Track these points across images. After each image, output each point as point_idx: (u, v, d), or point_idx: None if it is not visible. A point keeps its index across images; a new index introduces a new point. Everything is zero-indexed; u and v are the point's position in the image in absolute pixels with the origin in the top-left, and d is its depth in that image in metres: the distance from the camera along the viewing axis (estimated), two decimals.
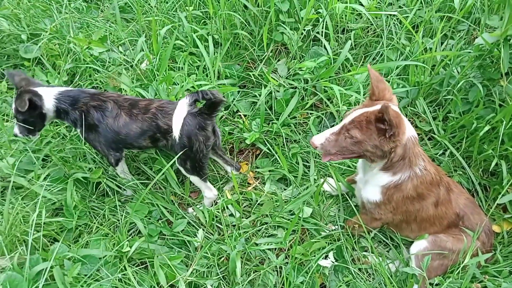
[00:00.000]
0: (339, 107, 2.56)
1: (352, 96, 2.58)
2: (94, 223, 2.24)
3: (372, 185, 1.88)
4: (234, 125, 2.71)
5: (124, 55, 3.00)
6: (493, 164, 2.13)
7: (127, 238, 2.11)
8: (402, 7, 2.86)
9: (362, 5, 2.79)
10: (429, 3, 2.87)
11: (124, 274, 2.01)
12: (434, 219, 1.95)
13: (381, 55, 2.78)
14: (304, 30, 2.70)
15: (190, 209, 2.36)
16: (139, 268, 2.08)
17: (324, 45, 2.73)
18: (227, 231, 2.16)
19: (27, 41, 2.93)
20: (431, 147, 2.52)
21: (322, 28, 2.69)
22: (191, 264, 2.06)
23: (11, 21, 3.03)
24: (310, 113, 2.69)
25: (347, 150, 1.73)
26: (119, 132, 2.08)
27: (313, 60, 2.64)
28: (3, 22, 2.95)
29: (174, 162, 2.11)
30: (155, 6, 3.20)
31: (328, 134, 1.74)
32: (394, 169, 1.76)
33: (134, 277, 1.98)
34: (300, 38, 2.76)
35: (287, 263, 2.04)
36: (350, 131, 1.68)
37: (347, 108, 2.57)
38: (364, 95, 2.51)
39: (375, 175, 1.84)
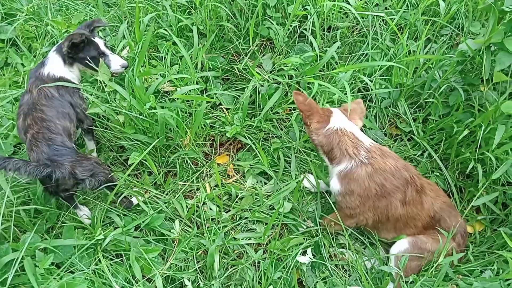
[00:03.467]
0: (322, 104, 2.57)
1: (335, 94, 2.58)
2: (66, 213, 2.17)
3: (332, 176, 2.04)
4: (216, 118, 2.68)
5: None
6: (470, 167, 2.18)
7: (101, 228, 2.06)
8: (388, 9, 2.89)
9: (349, 3, 2.79)
10: (414, 6, 2.90)
11: (98, 266, 1.96)
12: (406, 220, 1.99)
13: (366, 55, 2.79)
14: (291, 26, 2.69)
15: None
16: (114, 262, 2.03)
17: (310, 42, 2.72)
18: (206, 225, 2.13)
19: (1, 21, 2.80)
20: (411, 148, 2.57)
21: (309, 25, 2.68)
22: (168, 258, 2.03)
23: None
24: (293, 109, 2.69)
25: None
26: None
27: (299, 56, 2.63)
28: None
29: (148, 153, 2.08)
30: None
31: None
32: (335, 159, 1.98)
33: (109, 269, 1.94)
34: (286, 34, 2.74)
35: (265, 258, 2.04)
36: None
37: (330, 106, 2.58)
38: (346, 94, 2.52)
39: (329, 168, 2.07)
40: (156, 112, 2.20)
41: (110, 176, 2.08)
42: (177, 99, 2.33)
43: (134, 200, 2.28)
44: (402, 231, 2.03)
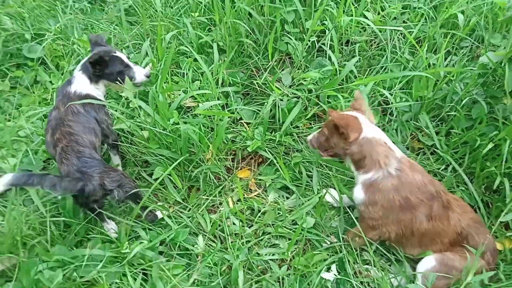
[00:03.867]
0: None
1: None
2: (93, 228, 2.21)
3: (356, 184, 2.03)
4: (237, 132, 2.71)
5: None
6: (497, 182, 2.15)
7: (128, 242, 2.09)
8: (406, 22, 2.89)
9: (366, 18, 2.82)
10: (433, 18, 2.90)
11: (122, 280, 1.98)
12: (433, 235, 1.96)
13: (385, 68, 2.80)
14: (309, 41, 2.72)
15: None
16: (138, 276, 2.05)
17: (329, 56, 2.75)
18: (229, 240, 2.14)
19: (30, 40, 2.91)
20: (434, 161, 2.54)
21: (328, 39, 2.71)
22: (192, 273, 2.04)
23: (15, 20, 3.01)
24: (313, 123, 2.70)
25: (321, 145, 2.06)
26: None
27: (318, 70, 2.65)
28: (7, 21, 2.92)
29: (173, 169, 2.12)
30: (160, 11, 3.19)
31: (315, 133, 2.13)
32: (363, 167, 1.95)
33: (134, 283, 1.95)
34: (305, 48, 2.77)
35: (290, 274, 2.03)
36: (323, 129, 2.04)
37: None
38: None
39: (355, 175, 2.04)
40: (179, 127, 2.24)
41: (135, 189, 2.13)
42: (199, 114, 2.37)
43: (159, 214, 2.30)
44: (428, 247, 1.99)
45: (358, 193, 1.99)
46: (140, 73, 2.36)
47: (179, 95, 2.58)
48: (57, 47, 2.84)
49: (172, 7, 3.38)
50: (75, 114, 2.14)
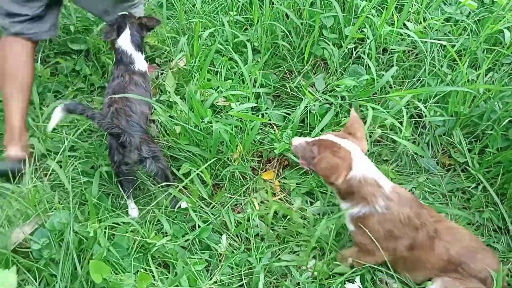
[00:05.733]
0: (373, 128, 2.55)
1: (387, 119, 2.55)
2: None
3: (345, 214, 2.00)
4: (266, 134, 2.71)
5: (164, 52, 3.06)
6: None
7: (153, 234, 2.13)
8: (447, 35, 2.83)
9: (407, 28, 2.77)
10: (475, 32, 2.83)
11: (147, 270, 2.02)
12: (416, 263, 1.95)
13: (421, 80, 2.75)
14: (347, 48, 2.69)
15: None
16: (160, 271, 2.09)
17: (367, 65, 2.71)
18: (253, 242, 2.15)
19: (74, 33, 3.02)
20: (464, 179, 2.48)
21: (366, 48, 2.68)
22: (213, 271, 2.07)
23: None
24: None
25: (305, 160, 1.98)
26: None
27: (353, 78, 2.62)
28: None
29: (199, 165, 2.18)
30: (198, 8, 3.23)
31: (303, 141, 1.97)
32: (350, 201, 1.92)
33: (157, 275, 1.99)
34: (341, 55, 2.75)
35: (310, 281, 2.02)
36: (313, 146, 1.91)
37: (382, 133, 2.55)
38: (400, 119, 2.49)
39: (339, 204, 2.01)
40: (211, 126, 2.26)
41: (167, 168, 2.26)
42: (232, 116, 2.38)
43: (183, 204, 2.35)
44: (421, 272, 1.97)
45: (348, 224, 2.00)
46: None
47: (212, 93, 2.60)
48: (101, 42, 2.96)
49: (209, 4, 3.41)
50: (136, 85, 2.36)
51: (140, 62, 2.49)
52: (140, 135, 2.14)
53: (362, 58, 2.78)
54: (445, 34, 2.86)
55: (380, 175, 1.91)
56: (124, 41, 2.48)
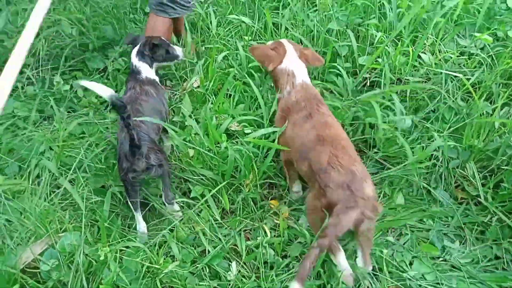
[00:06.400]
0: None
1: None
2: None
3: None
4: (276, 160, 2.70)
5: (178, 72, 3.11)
6: None
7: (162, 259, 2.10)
8: (462, 67, 2.84)
9: (422, 59, 2.79)
10: (490, 66, 2.84)
11: None
12: (298, 137, 2.23)
13: (434, 111, 2.75)
14: (362, 77, 2.72)
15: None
16: None
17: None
18: (262, 270, 2.12)
19: (92, 51, 3.08)
20: (477, 213, 2.44)
21: (381, 77, 2.70)
22: None
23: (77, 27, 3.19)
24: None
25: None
26: None
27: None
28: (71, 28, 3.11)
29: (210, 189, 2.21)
30: (215, 32, 3.28)
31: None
32: (277, 89, 2.51)
33: None
34: (355, 84, 2.76)
35: None
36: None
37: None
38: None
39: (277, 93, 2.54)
40: (226, 151, 2.26)
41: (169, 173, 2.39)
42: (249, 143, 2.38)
43: (176, 207, 2.40)
44: (298, 147, 2.21)
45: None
46: (180, 51, 2.84)
47: (226, 117, 2.61)
48: (121, 62, 3.05)
49: (224, 27, 3.46)
50: (147, 95, 2.53)
51: (146, 71, 2.67)
52: (148, 144, 2.24)
53: (375, 87, 2.80)
54: (459, 66, 2.87)
55: (300, 71, 2.44)
56: (133, 54, 2.72)
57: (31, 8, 3.33)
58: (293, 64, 2.44)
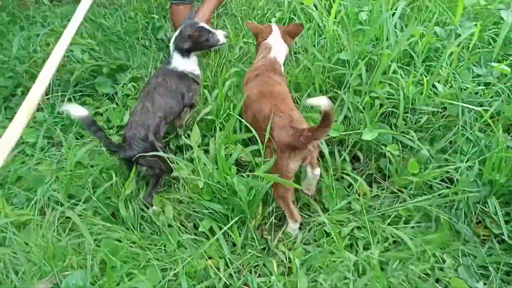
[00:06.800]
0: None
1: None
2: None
3: None
4: None
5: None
6: None
7: None
8: (478, 97, 2.75)
9: (436, 89, 2.72)
10: (508, 95, 2.74)
11: None
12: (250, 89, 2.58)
13: (451, 142, 2.66)
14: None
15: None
16: None
17: (392, 124, 2.65)
18: None
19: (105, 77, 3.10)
20: (501, 252, 2.31)
21: (393, 108, 2.63)
22: None
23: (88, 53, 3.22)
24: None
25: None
26: None
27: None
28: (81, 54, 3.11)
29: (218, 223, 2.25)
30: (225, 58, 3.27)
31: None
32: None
33: None
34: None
35: None
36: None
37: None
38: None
39: None
40: (235, 185, 2.19)
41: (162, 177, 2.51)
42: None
43: (150, 211, 2.41)
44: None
45: None
46: (221, 35, 2.82)
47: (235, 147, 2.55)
48: (132, 88, 3.05)
49: (235, 54, 3.45)
50: (165, 88, 2.54)
51: (176, 61, 2.68)
52: (140, 148, 2.33)
53: (389, 117, 2.73)
54: (476, 94, 2.78)
55: (278, 50, 2.78)
56: (172, 40, 2.75)
57: (44, 33, 3.39)
58: (274, 42, 2.79)
